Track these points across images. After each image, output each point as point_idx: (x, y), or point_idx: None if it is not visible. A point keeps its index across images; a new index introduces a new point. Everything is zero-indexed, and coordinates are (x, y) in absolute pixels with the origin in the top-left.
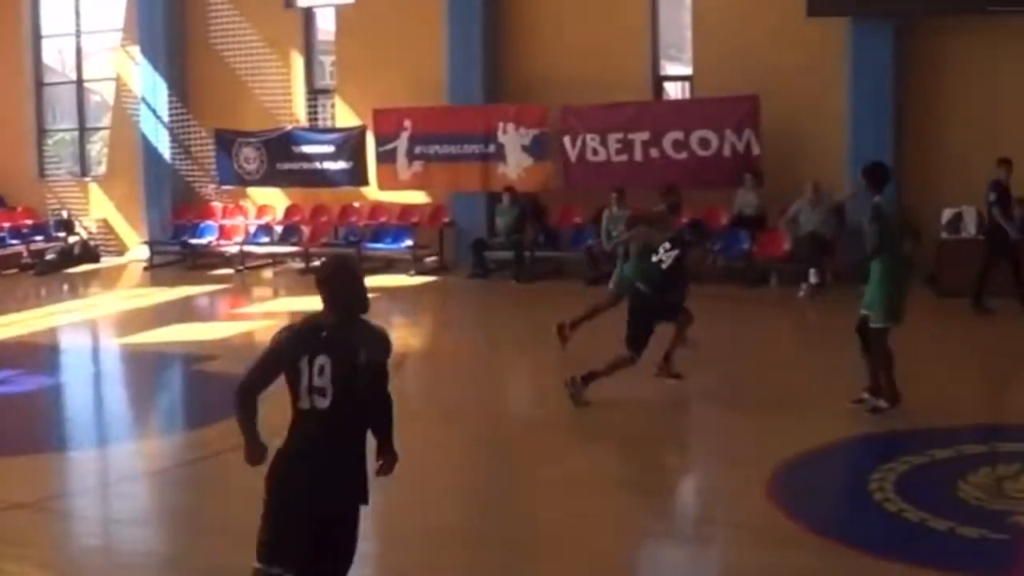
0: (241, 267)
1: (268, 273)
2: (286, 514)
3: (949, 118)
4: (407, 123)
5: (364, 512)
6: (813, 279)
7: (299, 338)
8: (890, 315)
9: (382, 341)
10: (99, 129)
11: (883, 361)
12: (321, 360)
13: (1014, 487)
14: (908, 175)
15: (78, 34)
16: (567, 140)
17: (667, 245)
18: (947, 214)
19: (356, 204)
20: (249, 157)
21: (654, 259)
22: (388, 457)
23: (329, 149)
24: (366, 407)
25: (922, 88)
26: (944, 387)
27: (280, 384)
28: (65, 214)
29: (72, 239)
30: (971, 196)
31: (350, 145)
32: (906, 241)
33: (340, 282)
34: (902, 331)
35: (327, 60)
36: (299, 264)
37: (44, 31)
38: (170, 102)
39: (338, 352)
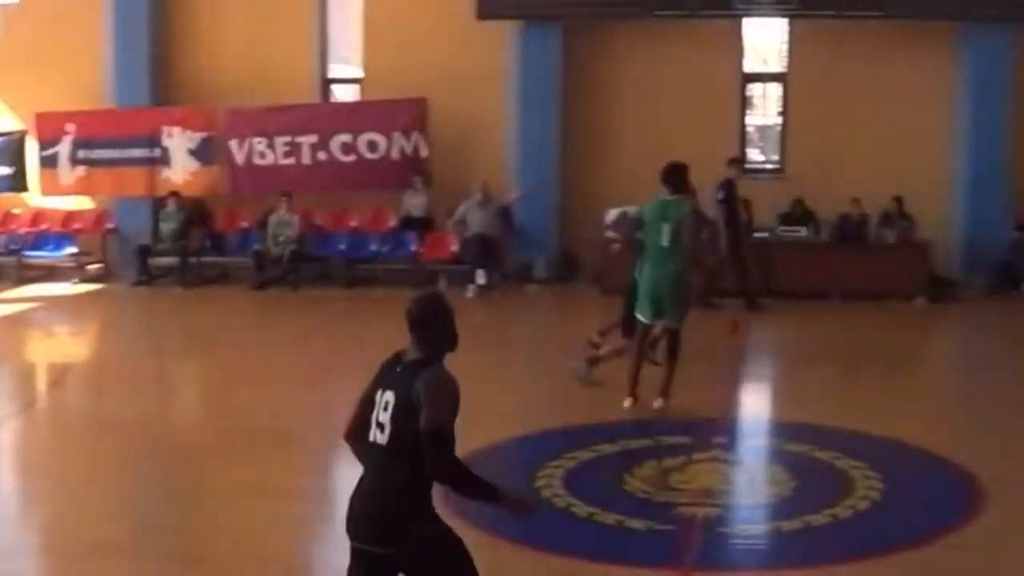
0: None
1: None
2: (351, 553)
3: (616, 120)
4: (70, 126)
5: (26, 526)
6: (480, 280)
7: (379, 371)
8: (644, 311)
9: (441, 392)
10: None
11: (667, 361)
12: (388, 396)
13: (679, 479)
14: (574, 176)
15: None
16: (233, 144)
17: None
18: (612, 214)
19: (17, 211)
20: None
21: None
22: (508, 509)
23: None
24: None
25: (589, 90)
26: (608, 384)
27: None
28: None
29: None
30: (637, 196)
31: (10, 150)
32: (703, 235)
33: (435, 321)
34: (555, 328)
35: None
36: None
37: None
38: None
39: (403, 389)
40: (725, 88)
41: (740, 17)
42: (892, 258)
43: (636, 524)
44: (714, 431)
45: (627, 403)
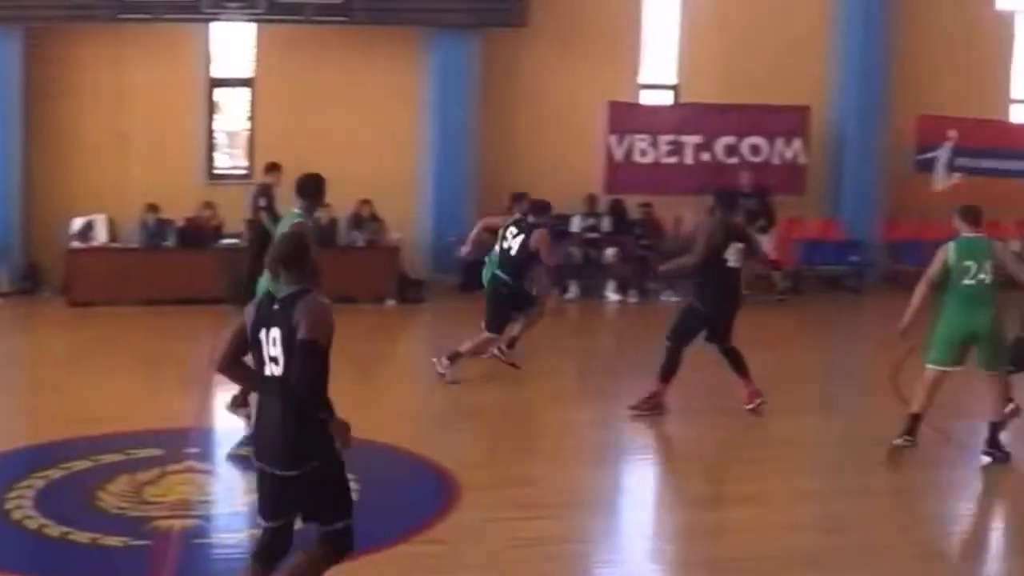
0: None
1: None
2: (258, 472)
3: (80, 126)
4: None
5: None
6: None
7: (256, 313)
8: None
9: (319, 320)
10: None
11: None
12: (273, 332)
13: (154, 492)
14: (38, 184)
15: None
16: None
17: (513, 230)
18: (78, 223)
19: None
20: None
21: (504, 246)
22: (335, 431)
23: None
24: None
25: (54, 95)
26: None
27: None
28: None
29: None
30: (102, 205)
31: None
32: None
33: (299, 255)
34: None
35: None
36: None
37: None
38: None
39: (286, 324)
40: (192, 93)
41: (207, 21)
42: (362, 260)
43: (112, 541)
44: (187, 442)
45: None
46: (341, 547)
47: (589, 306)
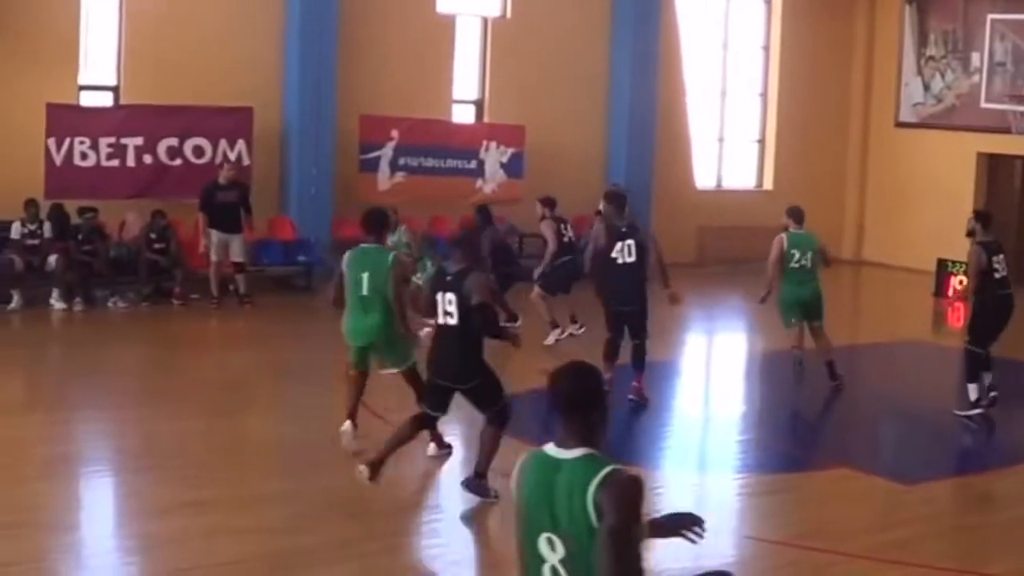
0: None
1: None
2: (434, 385)
3: None
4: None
5: None
6: None
7: (434, 281)
8: None
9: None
10: None
11: None
12: (449, 295)
13: None
14: None
15: None
16: None
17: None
18: None
19: None
20: None
21: None
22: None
23: None
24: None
25: None
26: None
27: None
28: None
29: None
30: None
31: None
32: None
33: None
34: None
35: None
36: None
37: None
38: None
39: (457, 289)
40: None
41: None
42: None
43: None
44: None
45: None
46: (503, 418)
47: (33, 315)
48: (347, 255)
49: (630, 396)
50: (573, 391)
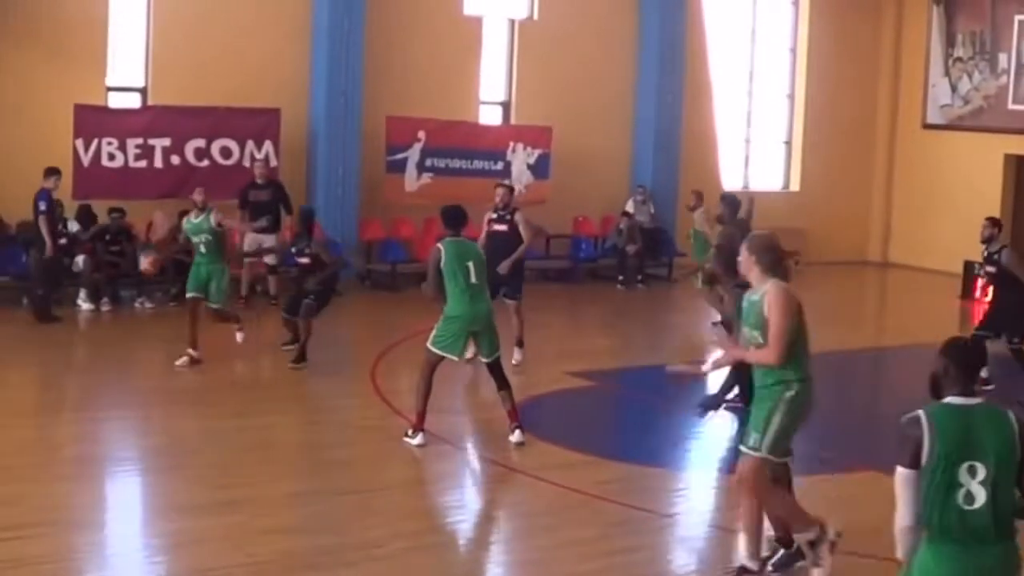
0: None
1: None
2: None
3: None
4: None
5: None
6: None
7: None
8: None
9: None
10: None
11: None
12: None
13: None
14: None
15: None
16: None
17: None
18: None
19: None
20: None
21: None
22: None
23: None
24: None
25: None
26: None
27: None
28: None
29: None
30: None
31: None
32: None
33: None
34: None
35: None
36: None
37: None
38: None
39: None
40: None
41: None
42: None
43: None
44: None
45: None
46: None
47: (61, 316)
48: (445, 248)
49: None
50: (976, 357)
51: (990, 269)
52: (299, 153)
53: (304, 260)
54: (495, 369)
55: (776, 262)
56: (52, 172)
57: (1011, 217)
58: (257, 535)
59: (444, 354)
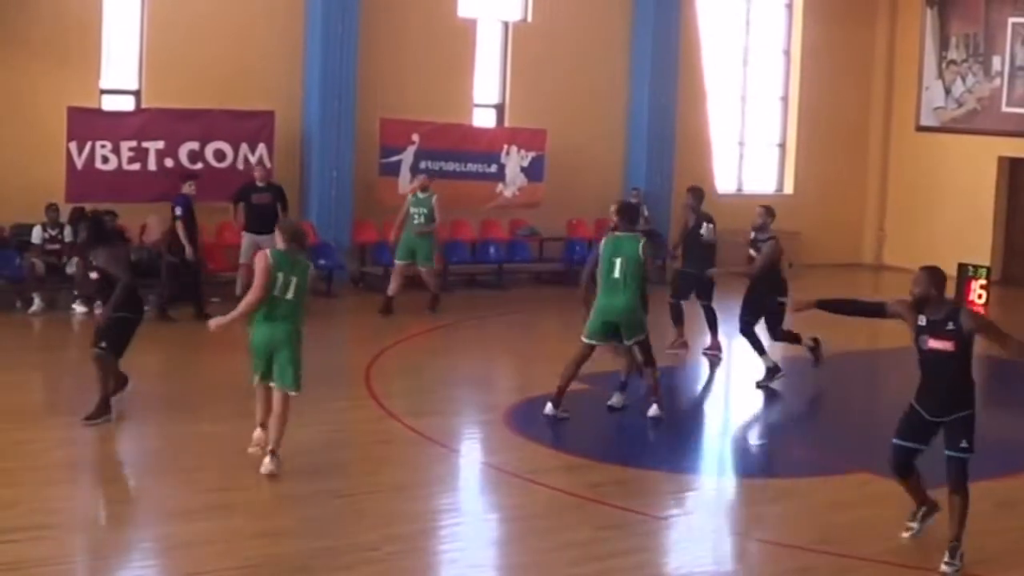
0: None
1: None
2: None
3: None
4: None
5: None
6: None
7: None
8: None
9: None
10: None
11: None
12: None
13: None
14: None
15: None
16: None
17: None
18: None
19: None
20: None
21: None
22: None
23: None
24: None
25: None
26: None
27: None
28: None
29: None
30: None
31: None
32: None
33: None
34: None
35: None
36: None
37: None
38: None
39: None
40: None
41: None
42: None
43: None
44: None
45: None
46: None
47: (54, 319)
48: (603, 241)
49: None
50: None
51: (752, 253)
52: (293, 156)
53: (93, 275)
54: (641, 348)
55: None
56: (190, 176)
57: (1005, 219)
58: (250, 538)
59: (592, 342)
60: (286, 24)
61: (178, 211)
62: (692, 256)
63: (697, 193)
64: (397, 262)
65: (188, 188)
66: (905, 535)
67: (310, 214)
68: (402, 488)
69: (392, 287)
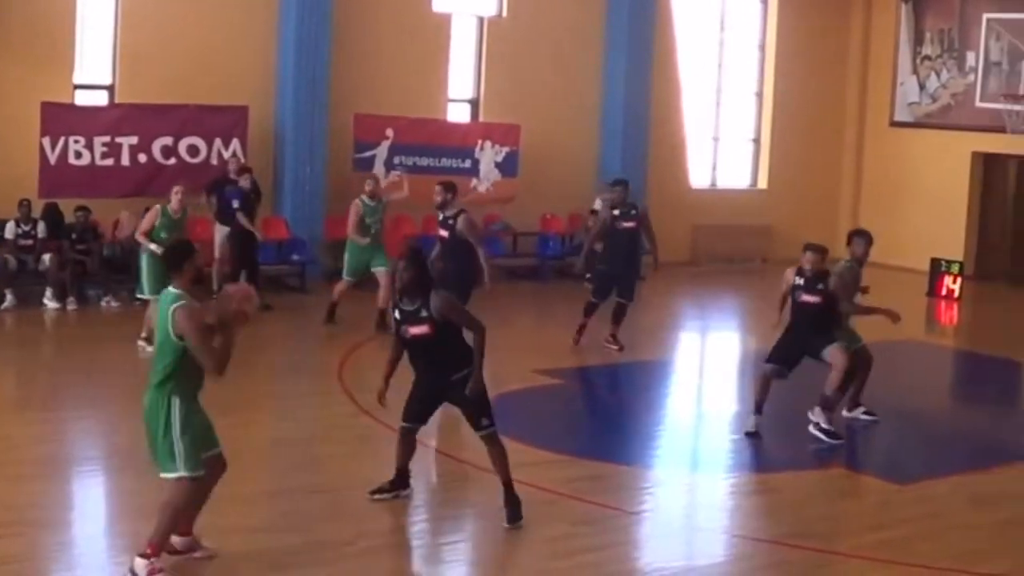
0: None
1: None
2: None
3: None
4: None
5: None
6: None
7: None
8: None
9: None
10: None
11: None
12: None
13: None
14: None
15: None
16: None
17: None
18: None
19: None
20: None
21: None
22: None
23: None
24: None
25: None
26: None
27: None
28: None
29: None
30: None
31: None
32: None
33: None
34: None
35: None
36: None
37: None
38: None
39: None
40: None
41: None
42: None
43: None
44: None
45: None
46: None
47: (27, 315)
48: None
49: None
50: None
51: (443, 233)
52: (267, 151)
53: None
54: None
55: None
56: (244, 170)
57: (978, 214)
58: (225, 534)
59: None
60: (260, 18)
61: (235, 203)
62: (614, 254)
63: (625, 185)
64: (348, 278)
65: (244, 182)
66: None
67: (283, 209)
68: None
69: (338, 294)
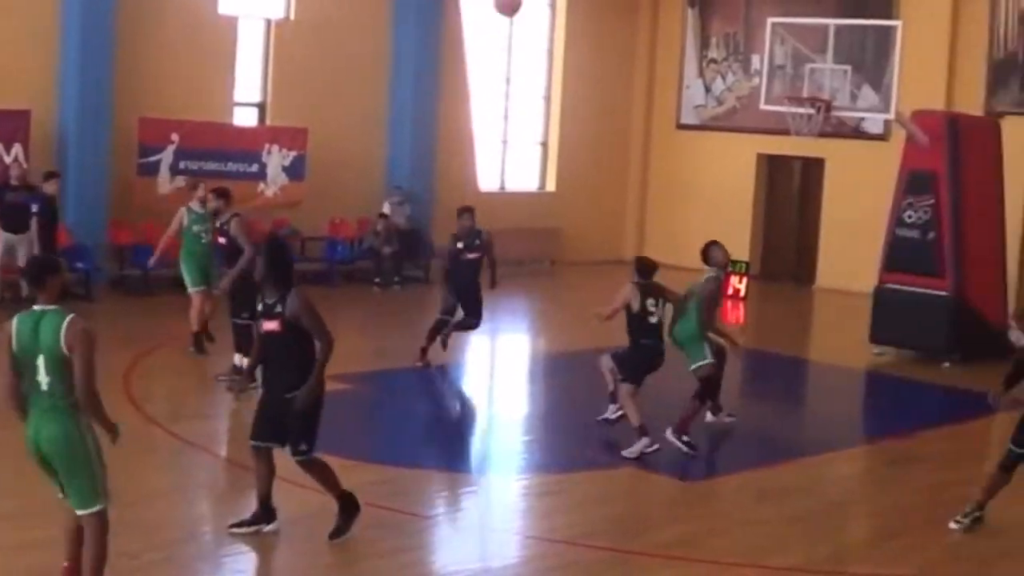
0: None
1: None
2: None
3: None
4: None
5: None
6: None
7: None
8: None
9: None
10: None
11: None
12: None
13: None
14: None
15: None
16: None
17: None
18: None
19: None
20: None
21: None
22: None
23: None
24: None
25: None
26: None
27: None
28: None
29: None
30: None
31: None
32: None
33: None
34: None
35: None
36: None
37: None
38: None
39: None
40: None
41: None
42: None
43: None
44: None
45: None
46: None
47: None
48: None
49: None
50: None
51: (222, 240)
52: (49, 155)
53: None
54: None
55: None
56: (52, 175)
57: (763, 215)
58: (11, 550)
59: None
60: (40, 20)
61: (34, 208)
62: (458, 286)
63: (470, 213)
64: (194, 289)
65: (50, 187)
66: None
67: (66, 215)
68: (164, 494)
69: (198, 320)
